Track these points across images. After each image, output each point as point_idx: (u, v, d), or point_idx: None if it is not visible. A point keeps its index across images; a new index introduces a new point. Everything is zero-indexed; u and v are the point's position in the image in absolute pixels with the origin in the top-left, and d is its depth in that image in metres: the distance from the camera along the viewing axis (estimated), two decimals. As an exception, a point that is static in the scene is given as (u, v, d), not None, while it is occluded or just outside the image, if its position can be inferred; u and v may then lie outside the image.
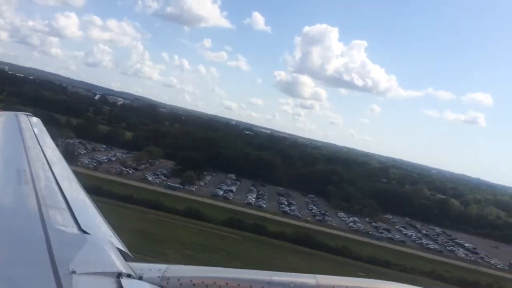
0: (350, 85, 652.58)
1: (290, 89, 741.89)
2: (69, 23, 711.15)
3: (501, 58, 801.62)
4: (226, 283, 4.29)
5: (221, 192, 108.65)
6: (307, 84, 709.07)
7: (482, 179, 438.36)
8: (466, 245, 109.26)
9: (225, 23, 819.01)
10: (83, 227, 4.87)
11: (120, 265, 4.14)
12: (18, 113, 13.58)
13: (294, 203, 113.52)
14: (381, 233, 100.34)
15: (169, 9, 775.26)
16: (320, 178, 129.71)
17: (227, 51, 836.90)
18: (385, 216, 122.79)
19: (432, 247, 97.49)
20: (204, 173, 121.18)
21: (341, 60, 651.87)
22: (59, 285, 3.41)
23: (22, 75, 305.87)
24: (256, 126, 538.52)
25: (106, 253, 4.37)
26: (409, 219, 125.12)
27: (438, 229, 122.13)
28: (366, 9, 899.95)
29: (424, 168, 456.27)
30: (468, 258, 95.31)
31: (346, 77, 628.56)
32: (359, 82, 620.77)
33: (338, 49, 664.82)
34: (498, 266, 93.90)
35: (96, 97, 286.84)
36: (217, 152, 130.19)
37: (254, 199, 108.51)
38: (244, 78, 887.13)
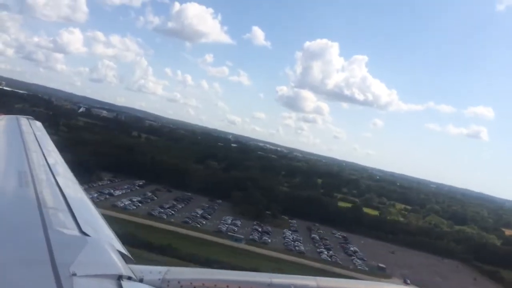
0: (351, 100, 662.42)
1: (292, 103, 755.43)
2: (72, 39, 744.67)
3: (502, 72, 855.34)
4: (227, 286, 4.37)
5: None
6: (309, 98, 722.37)
7: (484, 193, 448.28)
8: (352, 248, 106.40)
9: (225, 38, 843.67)
10: (83, 229, 4.90)
11: (120, 267, 4.18)
12: (19, 116, 14.03)
13: (180, 207, 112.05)
14: (251, 234, 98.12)
15: (170, 25, 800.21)
16: (232, 184, 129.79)
17: (228, 66, 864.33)
18: (289, 220, 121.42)
19: (298, 249, 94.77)
20: (106, 178, 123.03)
21: (342, 75, 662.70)
22: (60, 287, 3.44)
23: (17, 90, 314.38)
24: (260, 141, 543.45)
25: (107, 255, 4.40)
26: (318, 225, 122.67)
27: (339, 234, 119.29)
28: (366, 24, 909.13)
29: (423, 182, 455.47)
30: (332, 259, 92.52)
31: (347, 92, 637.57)
32: (360, 97, 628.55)
33: (338, 63, 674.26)
34: (360, 267, 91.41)
35: (80, 110, 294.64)
36: (131, 158, 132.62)
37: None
38: (246, 92, 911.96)
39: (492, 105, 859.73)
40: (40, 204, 5.55)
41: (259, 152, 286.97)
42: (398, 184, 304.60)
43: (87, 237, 4.72)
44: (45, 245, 4.19)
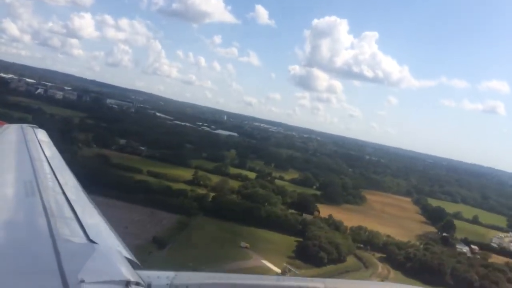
0: (363, 77, 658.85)
1: (304, 83, 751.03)
2: (81, 23, 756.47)
3: None
4: None
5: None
6: (320, 77, 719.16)
7: (495, 168, 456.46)
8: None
9: (230, 18, 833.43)
10: (91, 237, 4.93)
11: (128, 273, 4.17)
12: (23, 125, 14.11)
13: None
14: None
15: (174, 6, 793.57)
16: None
17: (237, 47, 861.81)
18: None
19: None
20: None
21: (352, 52, 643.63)
22: None
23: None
24: (278, 123, 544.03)
25: (114, 262, 4.42)
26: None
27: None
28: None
29: (431, 157, 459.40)
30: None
31: (359, 69, 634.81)
32: (372, 74, 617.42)
33: (348, 41, 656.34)
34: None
35: (38, 91, 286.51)
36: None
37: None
38: (257, 73, 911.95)
39: (507, 79, 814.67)
40: (47, 213, 5.54)
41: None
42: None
43: (94, 245, 4.75)
44: (53, 254, 4.25)
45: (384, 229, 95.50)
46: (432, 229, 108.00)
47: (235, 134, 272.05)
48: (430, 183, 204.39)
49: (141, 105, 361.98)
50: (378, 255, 74.58)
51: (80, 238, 4.92)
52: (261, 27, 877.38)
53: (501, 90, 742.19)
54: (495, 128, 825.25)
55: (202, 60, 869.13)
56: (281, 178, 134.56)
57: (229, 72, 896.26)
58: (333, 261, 65.13)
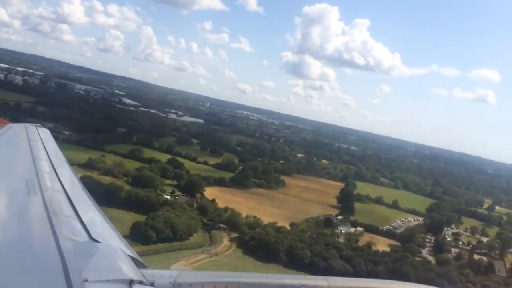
0: (355, 65, 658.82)
1: (297, 70, 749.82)
2: (66, 9, 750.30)
3: (505, 33, 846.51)
4: None
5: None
6: (313, 64, 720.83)
7: (482, 157, 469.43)
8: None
9: (218, 4, 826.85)
10: (93, 236, 5.09)
11: (131, 272, 4.32)
12: (27, 124, 14.46)
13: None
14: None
15: None
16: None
17: (227, 33, 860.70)
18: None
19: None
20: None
21: (344, 39, 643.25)
22: None
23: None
24: (269, 112, 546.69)
25: (118, 260, 4.57)
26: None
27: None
28: None
29: (419, 146, 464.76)
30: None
31: (351, 57, 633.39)
32: (364, 61, 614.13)
33: (339, 28, 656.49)
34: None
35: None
36: None
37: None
38: (249, 60, 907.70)
39: (497, 67, 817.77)
40: (49, 212, 5.64)
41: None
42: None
43: (97, 243, 4.82)
44: (56, 253, 4.29)
45: (275, 211, 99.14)
46: (334, 212, 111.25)
47: (201, 121, 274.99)
48: (384, 170, 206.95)
49: (117, 91, 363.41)
50: (233, 235, 78.07)
51: (82, 237, 5.03)
52: (250, 13, 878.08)
53: (491, 79, 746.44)
54: (485, 117, 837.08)
55: (194, 46, 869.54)
56: (206, 163, 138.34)
57: (221, 58, 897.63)
58: (165, 239, 68.26)
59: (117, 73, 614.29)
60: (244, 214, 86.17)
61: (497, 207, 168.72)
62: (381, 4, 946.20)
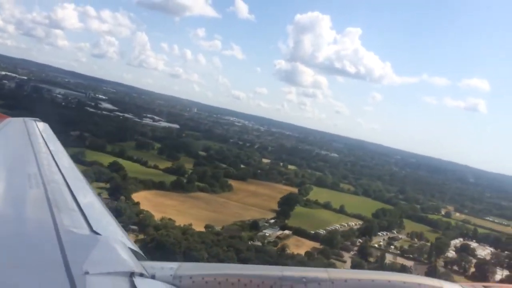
0: (348, 73, 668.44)
1: (289, 77, 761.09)
2: (59, 14, 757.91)
3: (495, 43, 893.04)
4: (238, 280, 4.60)
5: None
6: (306, 72, 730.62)
7: (470, 166, 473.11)
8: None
9: (210, 11, 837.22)
10: (94, 228, 5.19)
11: (132, 264, 4.39)
12: (26, 119, 14.78)
13: None
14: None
15: None
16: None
17: (220, 40, 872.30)
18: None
19: None
20: None
21: (336, 48, 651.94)
22: (73, 285, 3.62)
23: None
24: (261, 119, 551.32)
25: (118, 253, 4.64)
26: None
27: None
28: None
29: (408, 154, 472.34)
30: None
31: (343, 66, 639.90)
32: (357, 70, 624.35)
33: (331, 36, 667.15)
34: None
35: None
36: None
37: None
38: (242, 67, 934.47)
39: (487, 77, 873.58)
40: (50, 205, 5.75)
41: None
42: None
43: (98, 236, 4.94)
44: (57, 245, 4.36)
45: (206, 214, 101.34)
46: (271, 215, 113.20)
47: (176, 126, 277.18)
48: (352, 177, 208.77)
49: (101, 96, 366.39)
50: (141, 236, 79.50)
51: (83, 230, 5.09)
52: (241, 21, 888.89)
53: (481, 88, 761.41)
54: (475, 126, 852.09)
55: (187, 53, 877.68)
56: (156, 167, 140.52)
57: (214, 65, 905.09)
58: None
59: (111, 79, 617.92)
60: (161, 216, 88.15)
61: (457, 214, 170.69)
62: (373, 13, 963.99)
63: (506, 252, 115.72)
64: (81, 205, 6.07)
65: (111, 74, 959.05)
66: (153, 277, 4.44)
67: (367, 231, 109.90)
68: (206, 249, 71.92)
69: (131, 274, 4.06)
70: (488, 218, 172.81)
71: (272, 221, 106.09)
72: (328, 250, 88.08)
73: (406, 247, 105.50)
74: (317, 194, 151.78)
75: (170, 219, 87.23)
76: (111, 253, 4.57)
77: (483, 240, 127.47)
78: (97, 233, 5.05)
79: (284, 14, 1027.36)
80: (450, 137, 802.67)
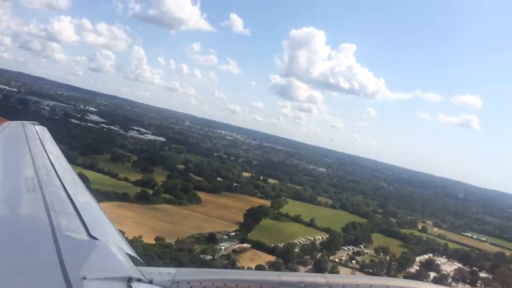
0: (342, 89, 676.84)
1: (284, 92, 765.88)
2: (56, 27, 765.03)
3: (487, 60, 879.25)
4: (236, 285, 4.57)
5: None
6: (300, 87, 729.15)
7: (462, 182, 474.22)
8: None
9: (205, 25, 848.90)
10: (92, 233, 5.18)
11: (130, 269, 4.39)
12: (24, 122, 14.79)
13: None
14: None
15: (150, 12, 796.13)
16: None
17: (215, 55, 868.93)
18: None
19: None
20: None
21: (330, 64, 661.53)
22: None
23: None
24: (256, 132, 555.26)
25: (116, 258, 4.64)
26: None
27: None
28: (352, 12, 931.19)
29: (401, 170, 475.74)
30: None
31: (338, 81, 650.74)
32: (352, 86, 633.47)
33: (326, 52, 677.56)
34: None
35: None
36: None
37: None
38: (238, 81, 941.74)
39: (479, 93, 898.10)
40: (48, 209, 5.74)
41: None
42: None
43: (95, 241, 4.93)
44: (54, 250, 4.34)
45: (164, 226, 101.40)
46: (235, 228, 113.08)
47: (163, 139, 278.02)
48: (333, 191, 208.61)
49: (92, 108, 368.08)
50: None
51: (81, 234, 5.08)
52: (236, 35, 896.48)
53: (474, 105, 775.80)
54: (468, 142, 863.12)
55: (183, 67, 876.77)
56: (126, 179, 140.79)
57: (210, 79, 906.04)
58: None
59: (108, 92, 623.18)
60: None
61: (435, 229, 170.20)
62: (367, 29, 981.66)
63: (474, 268, 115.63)
64: (79, 210, 6.04)
65: (108, 87, 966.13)
66: (151, 282, 4.43)
67: (330, 245, 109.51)
68: (145, 262, 71.49)
69: (129, 280, 4.02)
70: (467, 233, 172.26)
71: (233, 234, 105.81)
72: (281, 263, 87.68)
73: (367, 261, 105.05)
74: (291, 207, 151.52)
75: (120, 230, 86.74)
76: (109, 258, 4.54)
77: (452, 255, 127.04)
78: (94, 238, 5.00)
79: (279, 29, 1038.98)
80: (443, 153, 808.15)
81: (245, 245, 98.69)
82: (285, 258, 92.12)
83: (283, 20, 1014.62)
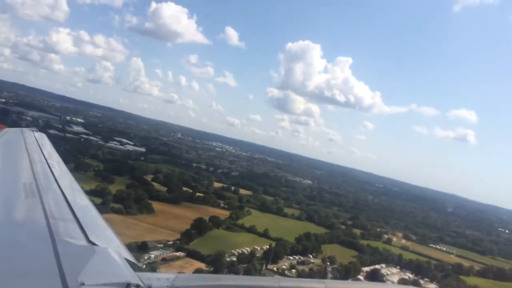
0: (335, 102, 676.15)
1: (281, 105, 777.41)
2: (53, 38, 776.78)
3: (483, 75, 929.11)
4: None
5: None
6: (297, 100, 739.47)
7: (457, 195, 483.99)
8: None
9: (201, 38, 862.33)
10: (91, 239, 5.25)
11: (128, 275, 4.40)
12: (24, 129, 15.20)
13: None
14: None
15: (146, 25, 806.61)
16: None
17: (212, 67, 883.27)
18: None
19: None
20: None
21: (327, 77, 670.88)
22: None
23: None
24: (253, 145, 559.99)
25: (115, 264, 4.67)
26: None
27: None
28: (348, 25, 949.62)
29: (395, 183, 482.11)
30: None
31: (335, 95, 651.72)
32: (343, 99, 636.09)
33: (322, 65, 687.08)
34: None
35: None
36: None
37: None
38: (235, 94, 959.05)
39: (474, 108, 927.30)
40: (46, 215, 5.84)
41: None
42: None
43: (94, 247, 5.01)
44: (53, 256, 4.40)
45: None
46: (177, 237, 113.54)
47: (143, 149, 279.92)
48: (308, 202, 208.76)
49: (79, 119, 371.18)
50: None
51: (80, 240, 5.11)
52: (232, 48, 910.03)
53: (469, 119, 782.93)
54: (464, 155, 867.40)
55: (181, 79, 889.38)
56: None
57: (208, 92, 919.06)
58: None
59: (107, 104, 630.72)
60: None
61: (403, 241, 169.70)
62: (363, 42, 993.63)
63: (425, 278, 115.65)
64: (78, 215, 6.06)
65: (107, 99, 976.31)
66: None
67: (273, 254, 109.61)
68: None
69: (128, 285, 4.03)
70: (436, 246, 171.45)
71: (171, 243, 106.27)
72: (210, 271, 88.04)
73: (307, 270, 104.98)
74: (254, 218, 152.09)
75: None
76: (108, 264, 4.55)
77: (406, 266, 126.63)
78: (93, 244, 5.03)
79: (275, 42, 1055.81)
80: (439, 167, 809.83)
81: (178, 253, 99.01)
82: (215, 266, 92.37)
83: (279, 33, 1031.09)
